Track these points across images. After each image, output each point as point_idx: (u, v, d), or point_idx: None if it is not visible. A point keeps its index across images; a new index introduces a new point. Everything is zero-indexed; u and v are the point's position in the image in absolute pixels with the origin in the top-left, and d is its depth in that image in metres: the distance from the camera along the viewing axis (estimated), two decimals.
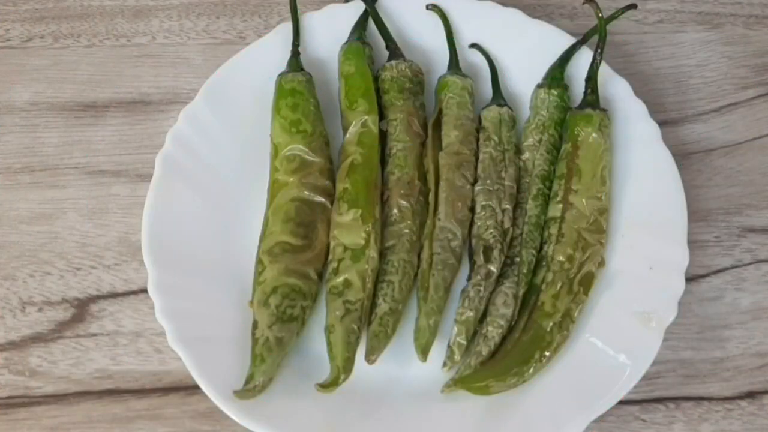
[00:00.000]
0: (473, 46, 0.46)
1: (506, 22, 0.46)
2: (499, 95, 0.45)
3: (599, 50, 0.43)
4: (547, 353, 0.38)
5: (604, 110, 0.43)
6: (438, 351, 0.38)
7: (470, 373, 0.37)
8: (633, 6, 0.46)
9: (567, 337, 0.38)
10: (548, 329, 0.38)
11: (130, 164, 0.46)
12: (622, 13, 0.46)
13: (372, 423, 0.37)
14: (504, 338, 0.38)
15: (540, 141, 0.43)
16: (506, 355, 0.38)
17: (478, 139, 0.43)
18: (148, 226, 0.40)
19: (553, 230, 0.40)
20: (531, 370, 0.37)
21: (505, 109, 0.44)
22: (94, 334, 0.41)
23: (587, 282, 0.39)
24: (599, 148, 0.42)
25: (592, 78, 0.43)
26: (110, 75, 0.49)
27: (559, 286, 0.39)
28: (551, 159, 0.42)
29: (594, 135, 0.42)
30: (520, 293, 0.39)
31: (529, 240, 0.40)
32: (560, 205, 0.41)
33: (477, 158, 0.42)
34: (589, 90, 0.43)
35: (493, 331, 0.38)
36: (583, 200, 0.41)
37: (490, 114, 0.43)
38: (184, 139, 0.42)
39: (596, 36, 0.44)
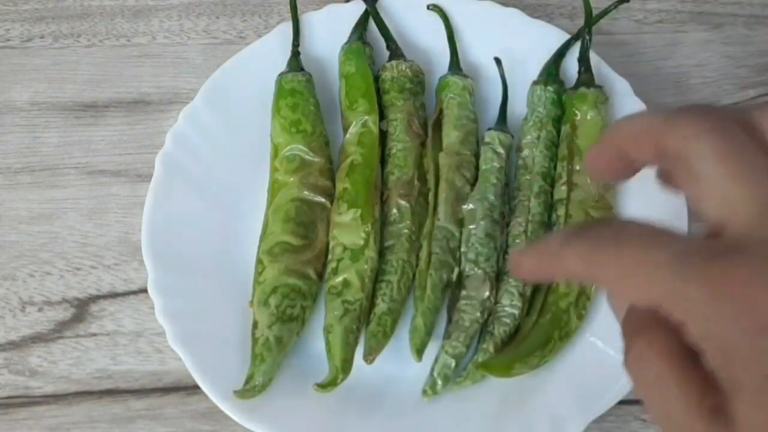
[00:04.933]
0: (497, 61, 0.44)
1: (506, 22, 0.46)
2: (503, 120, 0.44)
3: (587, 28, 0.43)
4: (565, 333, 0.38)
5: (599, 87, 0.43)
6: (436, 351, 0.38)
7: (493, 356, 0.37)
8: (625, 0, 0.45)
9: (584, 316, 0.38)
10: (565, 308, 0.38)
11: (130, 164, 0.46)
12: (615, 8, 0.45)
13: (371, 423, 0.37)
14: (518, 325, 0.39)
15: (539, 138, 0.43)
16: (526, 337, 0.38)
17: (478, 140, 0.43)
18: (148, 226, 0.40)
19: (561, 212, 0.41)
20: (551, 351, 0.38)
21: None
22: (94, 334, 0.41)
23: None
24: (598, 126, 0.42)
25: (583, 57, 0.43)
26: (110, 75, 0.49)
27: None
28: (550, 156, 0.42)
29: (591, 113, 0.42)
30: (528, 292, 0.39)
31: (534, 239, 0.40)
32: (564, 187, 0.41)
33: (477, 158, 0.42)
34: (582, 69, 0.43)
35: (500, 328, 0.38)
36: (587, 179, 0.41)
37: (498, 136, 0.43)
38: (184, 139, 0.42)
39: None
